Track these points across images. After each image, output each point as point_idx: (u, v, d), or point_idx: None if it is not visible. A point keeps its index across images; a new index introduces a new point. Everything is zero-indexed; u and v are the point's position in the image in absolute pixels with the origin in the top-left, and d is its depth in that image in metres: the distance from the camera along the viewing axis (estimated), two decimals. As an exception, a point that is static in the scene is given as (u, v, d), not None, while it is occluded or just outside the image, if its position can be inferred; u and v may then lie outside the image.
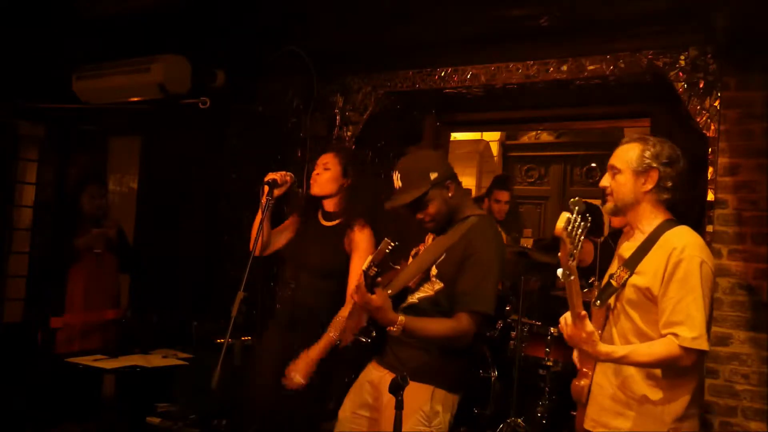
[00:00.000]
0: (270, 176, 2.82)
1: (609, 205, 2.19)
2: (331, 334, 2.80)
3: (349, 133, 4.33)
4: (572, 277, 1.79)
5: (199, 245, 4.70)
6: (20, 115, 4.95)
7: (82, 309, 4.24)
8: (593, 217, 1.90)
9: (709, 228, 3.10)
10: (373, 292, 2.17)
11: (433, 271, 2.42)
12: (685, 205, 3.37)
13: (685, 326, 1.95)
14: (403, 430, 2.24)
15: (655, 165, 2.10)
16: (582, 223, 1.75)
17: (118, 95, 4.29)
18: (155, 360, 3.63)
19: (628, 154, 2.14)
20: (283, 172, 2.88)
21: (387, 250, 2.11)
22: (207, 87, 4.26)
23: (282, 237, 3.07)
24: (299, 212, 3.11)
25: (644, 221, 2.15)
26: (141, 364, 3.50)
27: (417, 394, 2.32)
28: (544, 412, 3.78)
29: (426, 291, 2.44)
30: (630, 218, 2.20)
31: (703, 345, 1.96)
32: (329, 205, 3.01)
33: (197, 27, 4.08)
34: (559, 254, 1.80)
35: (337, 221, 2.98)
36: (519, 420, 3.60)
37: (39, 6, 3.86)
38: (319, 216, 3.05)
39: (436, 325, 2.33)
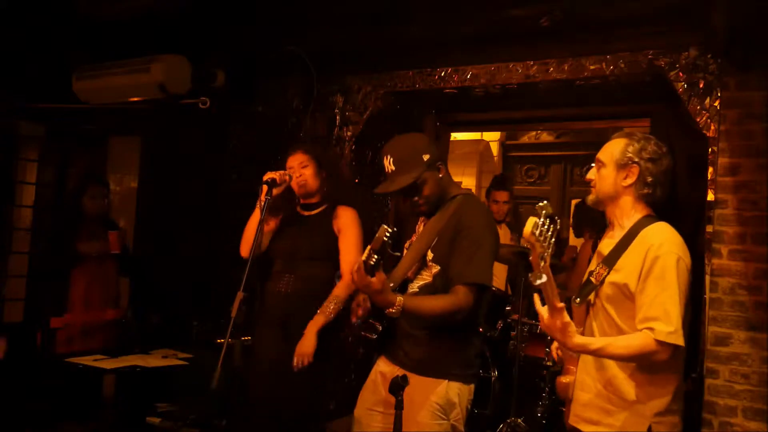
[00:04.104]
0: (269, 175, 2.84)
1: (591, 196, 2.26)
2: (327, 309, 2.86)
3: (349, 133, 4.33)
4: (544, 280, 1.81)
5: (199, 245, 4.70)
6: (20, 115, 4.94)
7: (82, 309, 4.24)
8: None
9: (709, 228, 3.10)
10: (372, 275, 2.15)
11: (429, 255, 2.41)
12: (685, 205, 3.40)
13: (661, 321, 1.97)
14: (421, 425, 2.28)
15: (636, 160, 2.14)
16: (551, 227, 1.78)
17: (118, 95, 4.29)
18: (155, 360, 3.62)
19: (612, 149, 2.19)
20: (282, 171, 2.91)
21: (385, 237, 2.09)
22: (207, 87, 4.25)
23: (267, 238, 3.08)
24: (282, 210, 3.10)
25: (624, 217, 2.19)
26: (141, 364, 3.49)
27: (431, 388, 2.32)
28: (544, 412, 3.78)
29: (425, 278, 2.43)
30: (610, 213, 2.24)
31: (679, 340, 1.98)
32: (306, 198, 3.07)
33: (197, 27, 4.08)
34: (530, 258, 1.83)
35: (318, 209, 3.05)
36: (519, 420, 3.61)
37: (39, 6, 3.86)
38: (298, 209, 3.10)
39: (434, 301, 2.32)
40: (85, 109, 4.56)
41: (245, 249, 2.98)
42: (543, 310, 1.99)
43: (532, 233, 1.76)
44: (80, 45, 4.36)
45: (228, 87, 4.35)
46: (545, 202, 1.81)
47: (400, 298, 2.23)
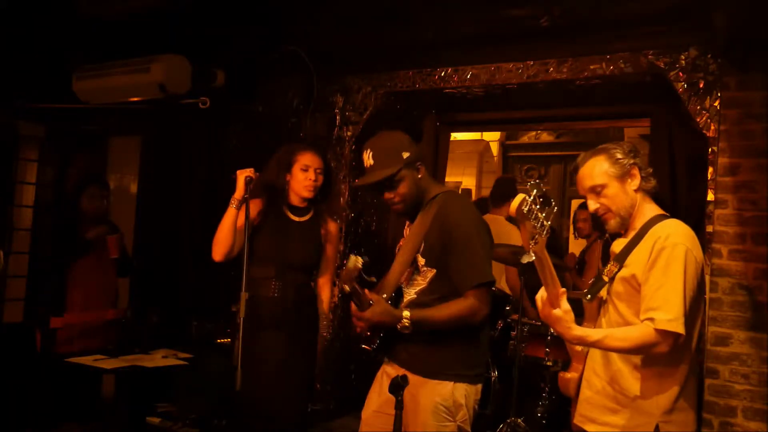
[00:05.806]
0: (246, 173, 2.84)
1: (612, 222, 2.18)
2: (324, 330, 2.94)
3: (349, 133, 4.33)
4: (532, 258, 1.77)
5: (198, 245, 4.69)
6: (20, 115, 4.94)
7: (82, 309, 4.24)
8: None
9: (709, 228, 3.10)
10: (361, 307, 2.16)
11: (420, 260, 2.38)
12: (684, 205, 3.39)
13: (662, 310, 1.96)
14: (427, 427, 2.26)
15: (632, 161, 2.15)
16: (546, 208, 1.74)
17: (118, 95, 4.29)
18: (155, 360, 3.62)
19: (599, 170, 2.17)
20: (251, 169, 2.89)
21: (359, 266, 2.10)
22: (207, 87, 4.25)
23: (241, 236, 2.90)
24: (266, 208, 3.04)
25: (637, 218, 2.18)
26: (141, 364, 3.49)
27: (438, 390, 2.30)
28: (544, 412, 3.78)
29: (420, 283, 2.39)
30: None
31: (679, 328, 1.94)
32: (299, 201, 3.02)
33: (197, 27, 4.08)
34: (521, 236, 1.80)
35: (308, 216, 3.02)
36: (519, 420, 3.60)
37: (39, 6, 3.86)
38: (286, 211, 3.02)
39: (446, 310, 2.27)
40: (85, 109, 4.56)
41: (219, 252, 2.93)
42: (539, 298, 1.96)
43: (520, 208, 1.70)
44: (80, 45, 4.36)
45: (228, 87, 4.35)
46: (537, 181, 1.78)
47: (405, 313, 2.22)
